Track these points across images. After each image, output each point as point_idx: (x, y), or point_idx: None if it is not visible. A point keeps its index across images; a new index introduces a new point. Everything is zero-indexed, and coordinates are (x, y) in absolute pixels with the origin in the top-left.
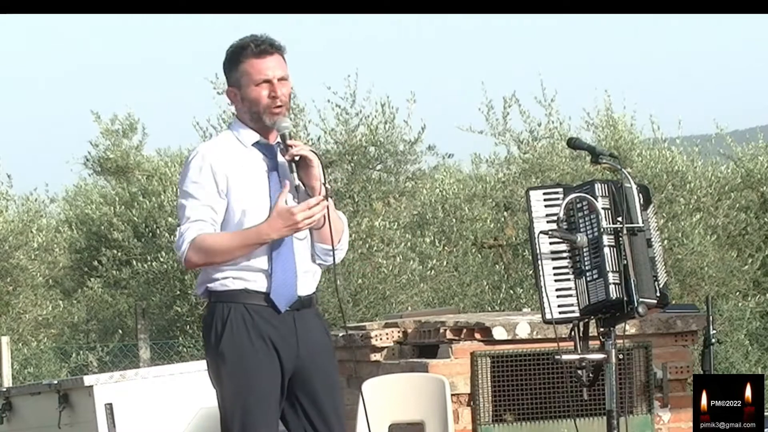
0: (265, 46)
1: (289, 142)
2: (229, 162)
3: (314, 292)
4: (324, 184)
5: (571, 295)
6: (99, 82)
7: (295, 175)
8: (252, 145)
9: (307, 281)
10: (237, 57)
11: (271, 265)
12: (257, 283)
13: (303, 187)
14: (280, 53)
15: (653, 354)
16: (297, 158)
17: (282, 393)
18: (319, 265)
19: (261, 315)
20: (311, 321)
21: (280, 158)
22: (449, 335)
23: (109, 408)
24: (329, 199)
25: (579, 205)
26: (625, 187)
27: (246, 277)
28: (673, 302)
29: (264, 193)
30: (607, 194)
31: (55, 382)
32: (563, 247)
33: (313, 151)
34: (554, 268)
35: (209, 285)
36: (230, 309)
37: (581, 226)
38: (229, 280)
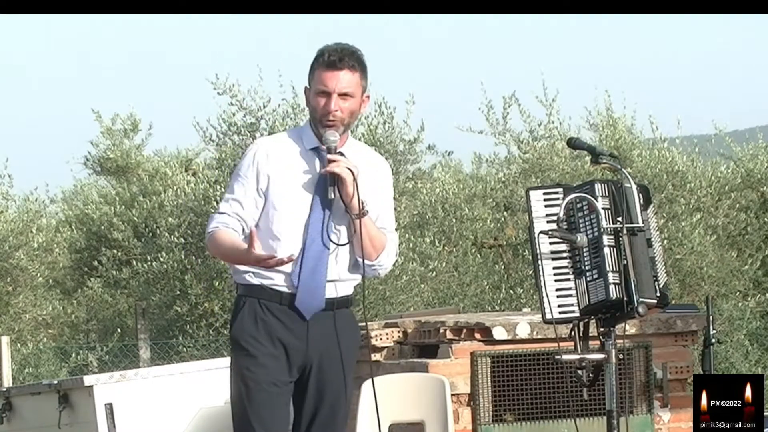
0: (335, 58)
1: (329, 156)
2: (279, 162)
3: (339, 297)
4: (360, 202)
5: (571, 295)
6: (99, 82)
7: (332, 189)
8: (310, 149)
9: (336, 286)
10: (314, 62)
11: (300, 273)
12: (275, 281)
13: (340, 202)
14: (353, 69)
15: (653, 354)
16: (330, 174)
17: (287, 386)
18: (365, 275)
19: (272, 312)
20: (328, 325)
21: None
22: (449, 335)
23: (109, 408)
24: (363, 216)
25: (579, 205)
26: (625, 187)
27: (266, 274)
28: (673, 302)
29: (307, 197)
30: (607, 194)
31: (55, 382)
32: (563, 247)
33: (350, 170)
34: (554, 268)
35: (235, 277)
36: (245, 301)
37: (581, 226)
38: (249, 275)
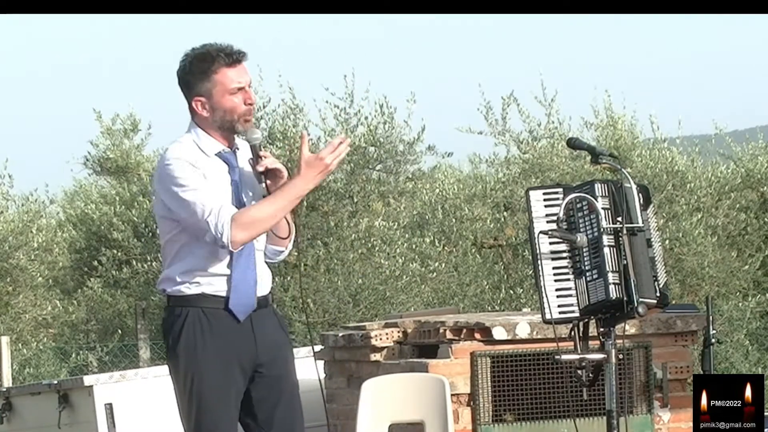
0: (236, 55)
1: (261, 153)
2: (200, 170)
3: (269, 292)
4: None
5: (571, 295)
6: (99, 82)
7: (264, 185)
8: (215, 154)
9: (263, 283)
10: (207, 67)
11: (232, 271)
12: (215, 287)
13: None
14: (246, 60)
15: (653, 354)
16: (266, 171)
17: (240, 392)
18: (267, 263)
19: (218, 318)
20: (267, 319)
21: (242, 166)
22: (449, 335)
23: (109, 408)
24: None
25: (579, 205)
26: (625, 187)
27: (205, 282)
28: (673, 302)
29: (227, 200)
30: (607, 194)
31: (55, 382)
32: (563, 247)
33: (282, 164)
34: (554, 268)
35: (168, 289)
36: (187, 312)
37: (581, 226)
38: (185, 286)
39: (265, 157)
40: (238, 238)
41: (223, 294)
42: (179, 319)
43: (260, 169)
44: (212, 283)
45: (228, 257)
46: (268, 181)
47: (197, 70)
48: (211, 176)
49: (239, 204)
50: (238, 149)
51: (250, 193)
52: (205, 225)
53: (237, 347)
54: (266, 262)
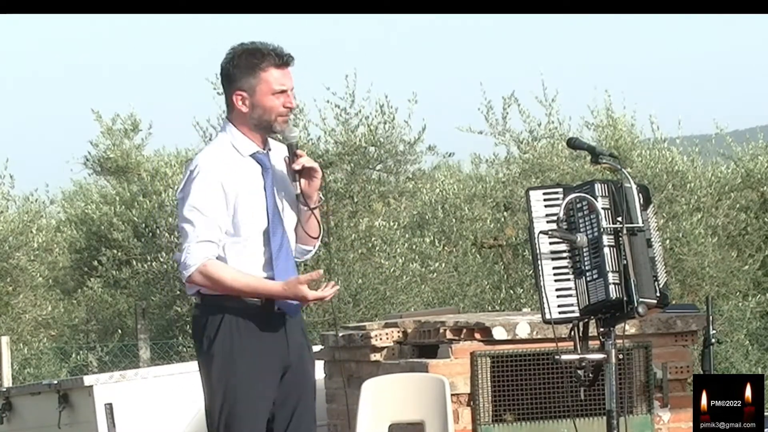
0: (287, 58)
1: (297, 151)
2: (231, 173)
3: None
4: (322, 195)
5: (571, 295)
6: (99, 82)
7: (298, 184)
8: (249, 155)
9: None
10: (256, 63)
11: (274, 273)
12: None
13: (291, 197)
14: (293, 65)
15: (653, 354)
16: (302, 169)
17: (274, 393)
18: (302, 260)
19: (253, 318)
20: (296, 324)
21: (277, 166)
22: (449, 335)
23: (109, 408)
24: (320, 206)
25: (579, 205)
26: (625, 187)
27: None
28: (673, 302)
29: (261, 204)
30: (607, 194)
31: (55, 382)
32: (563, 247)
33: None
34: (554, 268)
35: (203, 289)
36: (224, 312)
37: (581, 226)
38: None
39: (301, 156)
40: (197, 281)
41: (261, 298)
42: (215, 321)
43: (296, 167)
44: None
45: (263, 260)
46: (303, 180)
47: (245, 65)
48: (244, 177)
49: (273, 206)
50: (270, 150)
51: (283, 193)
52: (182, 248)
53: (271, 350)
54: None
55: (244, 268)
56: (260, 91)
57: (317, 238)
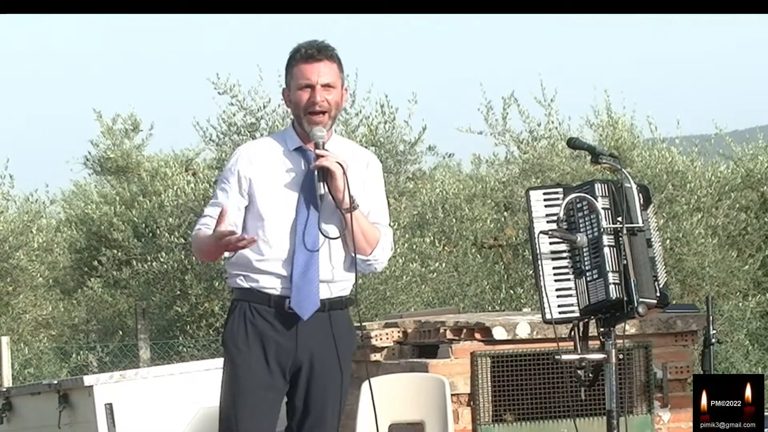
0: (313, 51)
1: (318, 151)
2: (261, 164)
3: (333, 297)
4: (350, 197)
5: (571, 295)
6: (99, 82)
7: (321, 184)
8: (294, 149)
9: (324, 289)
10: (290, 60)
11: (292, 275)
12: (264, 283)
13: (330, 197)
14: (331, 60)
15: (653, 354)
16: (320, 168)
17: (276, 389)
18: (358, 271)
19: (261, 314)
20: (321, 326)
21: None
22: (449, 335)
23: (109, 408)
24: (354, 210)
25: (579, 205)
26: (625, 187)
27: (256, 278)
28: (674, 302)
29: (292, 197)
30: (607, 194)
31: (55, 382)
32: (563, 247)
33: (340, 164)
34: (554, 268)
35: (228, 280)
36: (237, 305)
37: (581, 226)
38: (240, 278)
39: (320, 156)
40: (193, 252)
41: (275, 292)
42: (230, 310)
43: (312, 167)
44: (260, 280)
45: (284, 257)
46: (328, 181)
47: (288, 63)
48: (281, 170)
49: (307, 201)
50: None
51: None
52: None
53: (276, 343)
54: (356, 271)
55: (251, 260)
56: (292, 86)
57: (364, 246)
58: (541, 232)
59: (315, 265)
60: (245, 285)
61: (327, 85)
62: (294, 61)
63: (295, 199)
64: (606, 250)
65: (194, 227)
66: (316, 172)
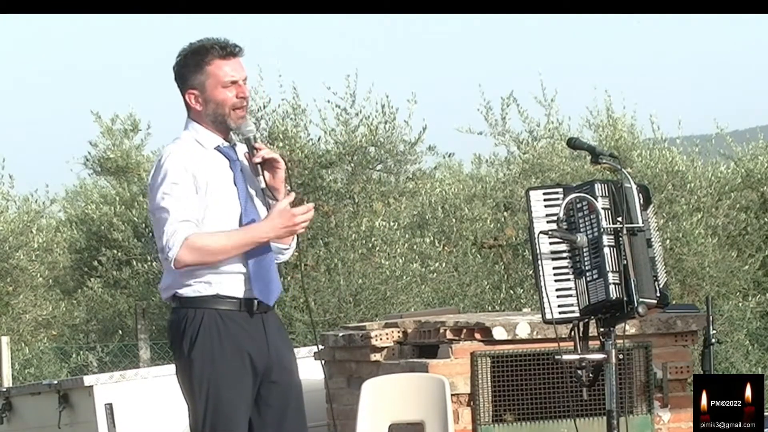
0: (231, 48)
1: (255, 145)
2: (199, 163)
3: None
4: (288, 186)
5: (571, 295)
6: (99, 83)
7: (262, 177)
8: (214, 148)
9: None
10: (201, 59)
11: (249, 268)
12: (230, 287)
13: (259, 192)
14: (242, 55)
15: (653, 354)
16: (263, 161)
17: (253, 399)
18: (280, 261)
19: (233, 320)
20: (274, 321)
21: (242, 160)
22: (449, 335)
23: (109, 408)
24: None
25: (579, 205)
26: (625, 187)
27: (218, 281)
28: (674, 302)
29: (233, 197)
30: (607, 194)
31: (55, 382)
32: (563, 247)
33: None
34: (554, 268)
35: (178, 291)
36: (203, 314)
37: (581, 226)
38: (201, 285)
39: (260, 149)
40: (185, 259)
41: (239, 295)
42: (193, 322)
43: (257, 160)
44: (225, 282)
45: (242, 257)
46: (267, 173)
47: (192, 63)
48: (211, 170)
49: (245, 199)
50: (235, 145)
51: (253, 190)
52: (161, 234)
53: (251, 350)
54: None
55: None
56: (209, 85)
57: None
58: (541, 232)
59: (269, 255)
60: (209, 292)
61: (244, 80)
62: (209, 60)
63: (236, 194)
64: (606, 250)
65: (171, 236)
66: (259, 166)
